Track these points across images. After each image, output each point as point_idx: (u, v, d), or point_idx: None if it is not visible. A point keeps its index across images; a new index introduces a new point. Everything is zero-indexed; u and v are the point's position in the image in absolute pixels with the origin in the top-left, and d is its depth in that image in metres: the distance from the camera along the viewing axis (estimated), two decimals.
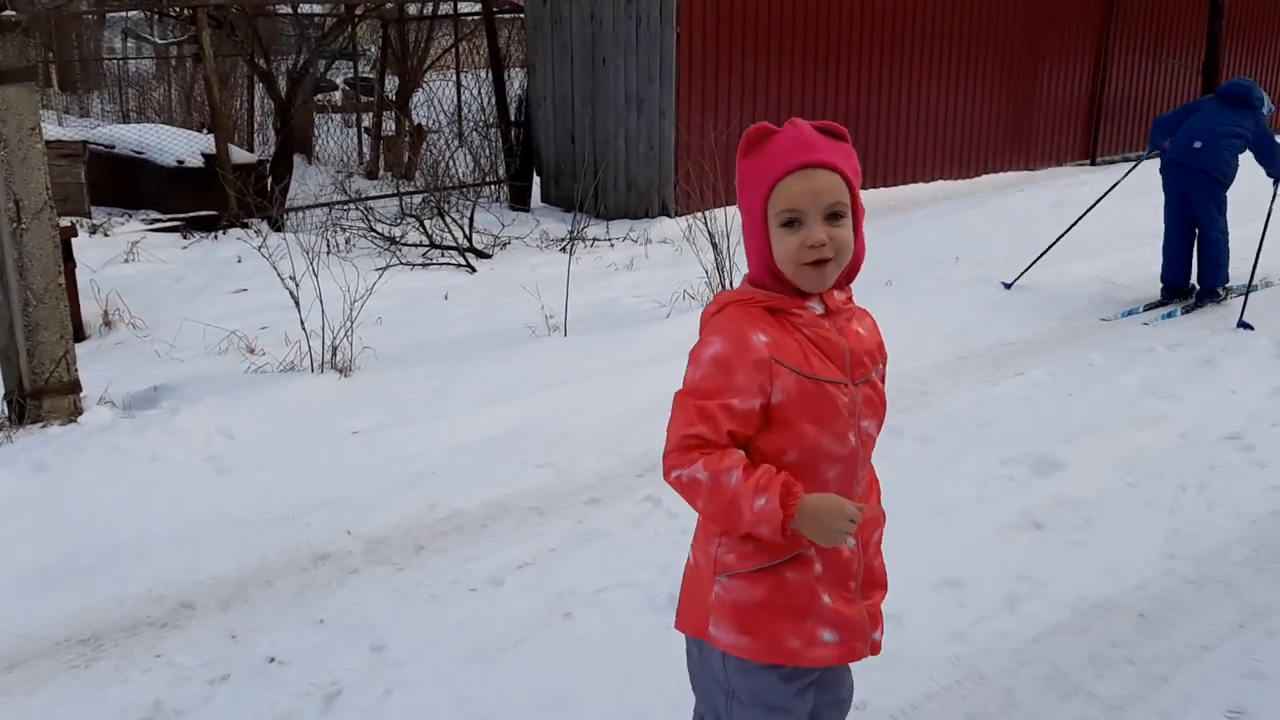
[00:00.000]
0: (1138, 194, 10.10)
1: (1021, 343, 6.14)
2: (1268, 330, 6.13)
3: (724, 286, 6.56)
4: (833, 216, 1.79)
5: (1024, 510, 3.94)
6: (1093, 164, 14.01)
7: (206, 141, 11.13)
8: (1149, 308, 6.84)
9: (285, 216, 10.23)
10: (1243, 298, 6.52)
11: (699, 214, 6.92)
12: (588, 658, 3.08)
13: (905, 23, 11.59)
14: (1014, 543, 3.73)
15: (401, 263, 8.65)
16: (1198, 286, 6.95)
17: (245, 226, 9.62)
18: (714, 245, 6.67)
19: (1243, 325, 6.24)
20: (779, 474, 1.76)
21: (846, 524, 1.75)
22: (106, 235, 9.69)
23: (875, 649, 1.96)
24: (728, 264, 6.65)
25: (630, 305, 7.36)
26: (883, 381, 1.98)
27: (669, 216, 10.32)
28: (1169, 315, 6.69)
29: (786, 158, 1.79)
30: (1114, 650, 3.11)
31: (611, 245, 9.55)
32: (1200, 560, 3.61)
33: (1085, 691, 2.92)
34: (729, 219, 6.66)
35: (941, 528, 3.78)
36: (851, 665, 2.10)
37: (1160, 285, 7.02)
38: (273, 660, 3.11)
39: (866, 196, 11.93)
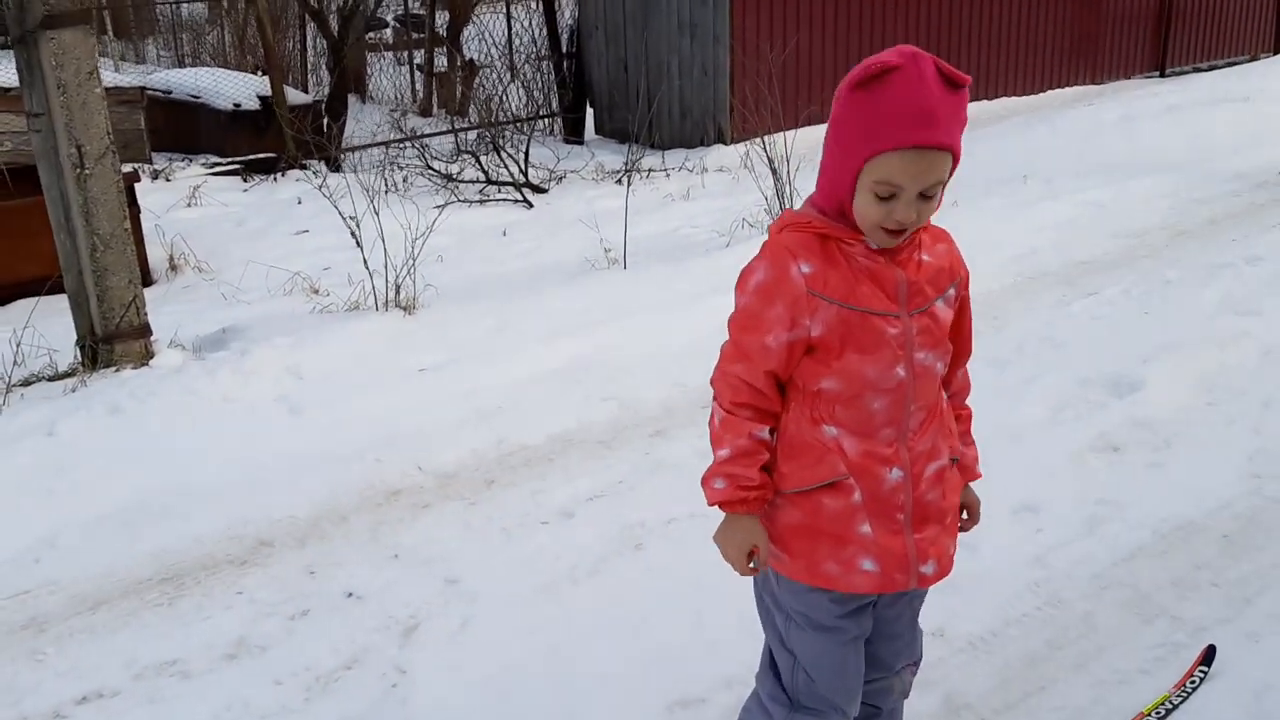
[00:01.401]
0: (1208, 105, 9.79)
1: (1094, 261, 5.97)
2: None
3: None
4: (927, 194, 1.69)
5: (1101, 432, 3.85)
6: (1163, 76, 13.53)
7: (261, 84, 11.15)
8: None
9: (343, 156, 10.25)
10: None
11: (756, 139, 6.79)
12: (659, 588, 3.08)
13: None
14: (1092, 465, 3.66)
15: (459, 200, 8.64)
16: None
17: (304, 168, 9.66)
18: (773, 171, 6.55)
19: None
20: (755, 481, 1.84)
21: (730, 559, 1.89)
22: (168, 180, 9.78)
23: (922, 582, 1.88)
24: (788, 190, 6.54)
25: (689, 235, 7.28)
26: (953, 305, 1.87)
27: (724, 144, 10.18)
28: None
29: (903, 130, 1.62)
30: (1197, 572, 3.04)
31: (668, 175, 9.44)
32: None
33: (1168, 615, 2.86)
34: (788, 144, 6.54)
35: (1017, 452, 3.71)
36: (922, 612, 2.08)
37: None
38: (351, 595, 3.16)
39: None
